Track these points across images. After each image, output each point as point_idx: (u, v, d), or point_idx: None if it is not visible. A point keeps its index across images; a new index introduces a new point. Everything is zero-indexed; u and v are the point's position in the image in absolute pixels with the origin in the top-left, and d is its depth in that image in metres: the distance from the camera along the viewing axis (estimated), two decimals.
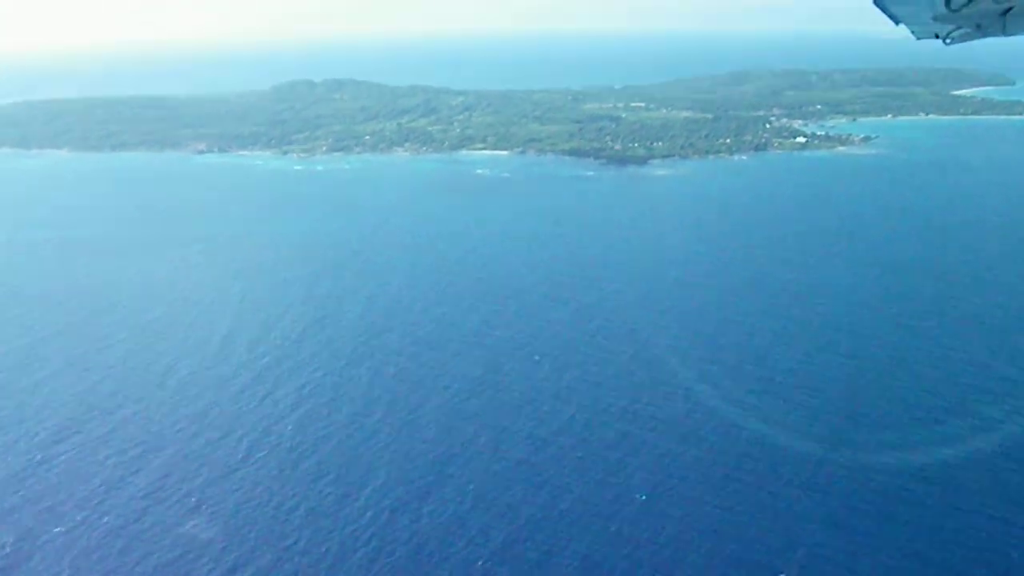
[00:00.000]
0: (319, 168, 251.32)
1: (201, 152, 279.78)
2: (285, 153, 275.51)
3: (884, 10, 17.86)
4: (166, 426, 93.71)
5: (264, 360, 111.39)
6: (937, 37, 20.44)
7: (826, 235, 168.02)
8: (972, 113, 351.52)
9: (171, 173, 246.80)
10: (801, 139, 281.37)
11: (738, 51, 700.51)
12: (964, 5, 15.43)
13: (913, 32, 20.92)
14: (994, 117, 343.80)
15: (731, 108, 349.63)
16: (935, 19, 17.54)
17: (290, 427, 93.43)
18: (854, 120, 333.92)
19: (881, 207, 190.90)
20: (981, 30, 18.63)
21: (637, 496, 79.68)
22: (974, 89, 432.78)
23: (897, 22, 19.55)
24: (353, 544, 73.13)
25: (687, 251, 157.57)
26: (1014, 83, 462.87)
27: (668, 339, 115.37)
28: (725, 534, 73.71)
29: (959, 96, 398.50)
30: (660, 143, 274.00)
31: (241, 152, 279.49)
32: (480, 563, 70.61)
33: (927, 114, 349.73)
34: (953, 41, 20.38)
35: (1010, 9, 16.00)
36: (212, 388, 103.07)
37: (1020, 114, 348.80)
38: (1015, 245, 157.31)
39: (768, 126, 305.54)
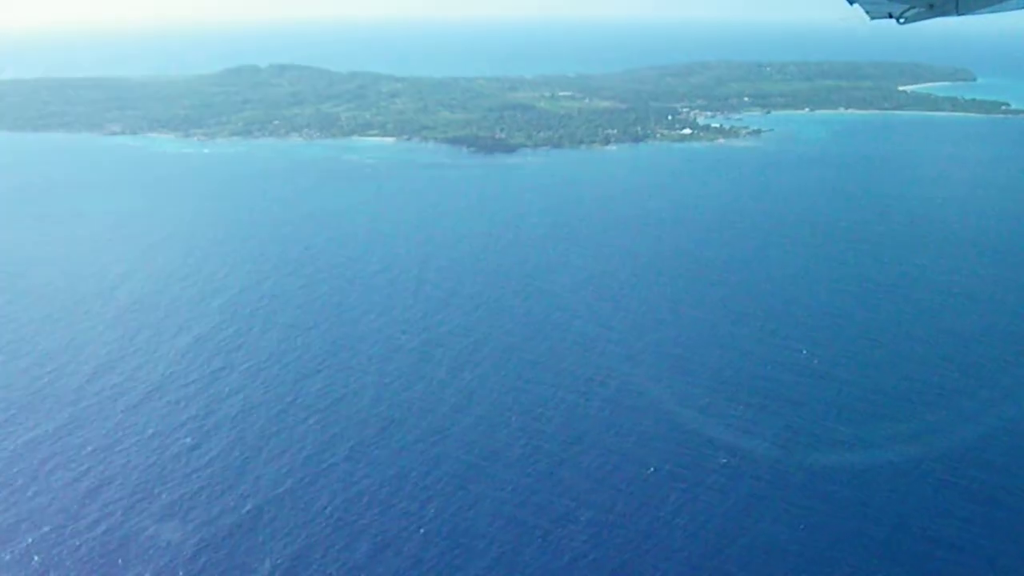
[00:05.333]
0: (205, 151, 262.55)
1: (113, 134, 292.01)
2: (187, 136, 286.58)
3: None
4: None
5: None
6: (891, 16, 20.51)
7: (593, 221, 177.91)
8: (894, 108, 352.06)
9: (62, 154, 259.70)
10: (687, 131, 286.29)
11: (714, 40, 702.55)
12: None
13: (867, 12, 21.07)
14: (916, 113, 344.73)
15: (654, 99, 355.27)
16: None
17: None
18: (768, 113, 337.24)
19: (686, 198, 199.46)
20: (934, 9, 18.79)
21: None
22: (928, 84, 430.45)
23: (852, 1, 19.81)
24: None
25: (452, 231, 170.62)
26: (975, 79, 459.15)
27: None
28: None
29: (901, 92, 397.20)
30: (545, 132, 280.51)
31: (150, 134, 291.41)
32: None
33: (847, 108, 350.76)
34: (907, 20, 20.30)
35: None
36: None
37: (947, 111, 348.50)
38: (768, 244, 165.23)
39: (670, 118, 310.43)
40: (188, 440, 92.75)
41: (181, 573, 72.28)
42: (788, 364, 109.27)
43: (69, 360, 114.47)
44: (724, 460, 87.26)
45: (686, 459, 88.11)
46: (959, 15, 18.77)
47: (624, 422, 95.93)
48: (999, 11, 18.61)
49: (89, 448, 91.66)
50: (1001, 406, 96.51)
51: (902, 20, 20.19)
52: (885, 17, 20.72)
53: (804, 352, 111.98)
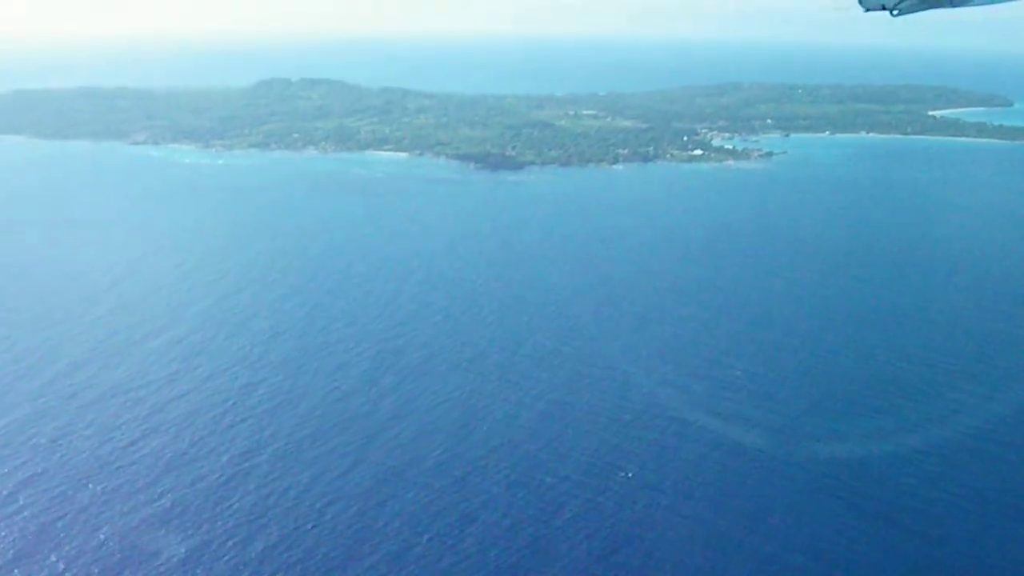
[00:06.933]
0: (220, 162, 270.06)
1: (136, 143, 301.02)
2: (207, 147, 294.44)
3: None
4: None
5: None
6: (884, 9, 20.40)
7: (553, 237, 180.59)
8: (917, 133, 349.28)
9: (78, 161, 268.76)
10: (698, 152, 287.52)
11: (759, 61, 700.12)
12: None
13: (861, 3, 20.92)
14: (939, 138, 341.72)
15: (678, 119, 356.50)
16: None
17: None
18: (787, 136, 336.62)
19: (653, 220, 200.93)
20: (927, 1, 18.87)
21: None
22: (960, 109, 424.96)
23: None
24: None
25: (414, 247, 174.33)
26: (1011, 105, 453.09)
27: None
28: None
29: (929, 116, 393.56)
30: (556, 151, 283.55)
31: (172, 144, 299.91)
32: None
33: (869, 132, 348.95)
34: (901, 12, 20.23)
35: None
36: None
37: (971, 136, 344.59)
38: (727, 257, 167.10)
39: (685, 138, 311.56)
40: (126, 438, 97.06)
41: (85, 559, 76.15)
42: (722, 382, 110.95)
43: (40, 360, 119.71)
44: (629, 473, 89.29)
45: (595, 470, 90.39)
46: (952, 8, 19.00)
47: (545, 434, 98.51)
48: (992, 3, 18.77)
49: (33, 442, 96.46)
50: (920, 429, 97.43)
51: (895, 12, 20.20)
52: (879, 9, 20.59)
53: (739, 372, 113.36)
